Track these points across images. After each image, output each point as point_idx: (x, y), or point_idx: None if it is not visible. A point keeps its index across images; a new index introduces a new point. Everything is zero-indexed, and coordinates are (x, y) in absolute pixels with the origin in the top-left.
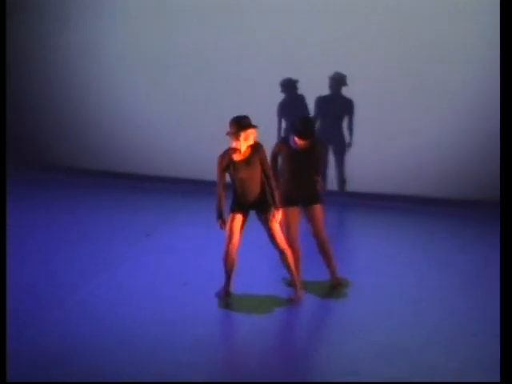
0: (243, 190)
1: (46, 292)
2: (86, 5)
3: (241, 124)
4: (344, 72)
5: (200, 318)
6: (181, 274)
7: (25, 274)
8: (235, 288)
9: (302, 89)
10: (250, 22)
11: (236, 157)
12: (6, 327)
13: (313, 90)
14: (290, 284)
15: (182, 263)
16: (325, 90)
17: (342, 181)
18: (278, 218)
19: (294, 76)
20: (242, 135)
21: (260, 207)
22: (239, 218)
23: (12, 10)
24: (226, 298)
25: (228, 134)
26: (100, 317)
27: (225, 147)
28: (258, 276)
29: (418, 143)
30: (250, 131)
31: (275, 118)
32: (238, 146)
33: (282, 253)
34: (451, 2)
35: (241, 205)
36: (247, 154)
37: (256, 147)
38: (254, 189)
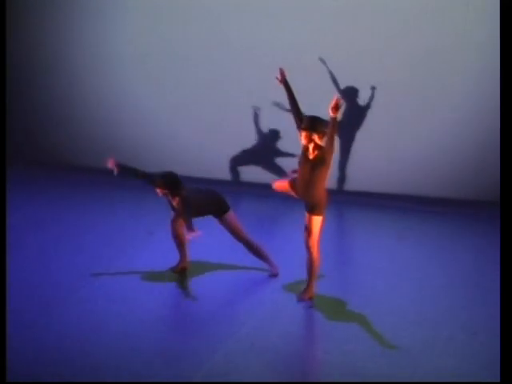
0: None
1: (47, 291)
2: (87, 3)
3: (306, 125)
4: (348, 75)
5: (202, 317)
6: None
7: (26, 273)
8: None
9: (306, 88)
10: (256, 20)
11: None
12: (5, 327)
13: (316, 89)
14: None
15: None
16: (329, 90)
17: (341, 179)
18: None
19: (298, 75)
20: (303, 134)
21: (310, 209)
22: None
23: (13, 9)
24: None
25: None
26: (101, 316)
27: (238, 148)
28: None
29: (420, 143)
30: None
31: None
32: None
33: (310, 256)
34: (453, 5)
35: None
36: (314, 154)
37: (322, 154)
38: (310, 189)
